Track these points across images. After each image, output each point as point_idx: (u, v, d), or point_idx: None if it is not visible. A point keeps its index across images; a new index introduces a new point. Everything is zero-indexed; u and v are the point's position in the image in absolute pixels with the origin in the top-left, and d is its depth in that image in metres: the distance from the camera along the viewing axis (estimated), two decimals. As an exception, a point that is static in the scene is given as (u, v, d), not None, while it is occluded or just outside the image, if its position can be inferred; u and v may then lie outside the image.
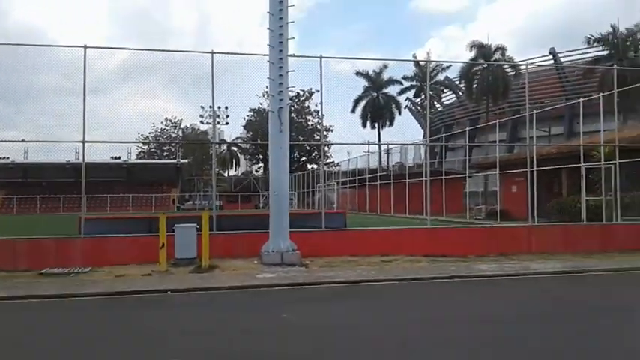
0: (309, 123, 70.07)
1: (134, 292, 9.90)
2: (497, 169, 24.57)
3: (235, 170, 77.62)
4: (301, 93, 67.41)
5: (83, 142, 13.91)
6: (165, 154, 76.85)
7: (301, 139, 62.98)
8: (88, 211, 14.14)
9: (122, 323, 7.89)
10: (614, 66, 23.50)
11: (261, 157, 72.04)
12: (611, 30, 37.88)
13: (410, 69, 53.88)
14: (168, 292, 9.93)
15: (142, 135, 66.79)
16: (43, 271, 12.06)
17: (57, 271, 12.12)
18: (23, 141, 24.80)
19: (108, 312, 8.81)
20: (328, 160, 54.50)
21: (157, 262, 12.27)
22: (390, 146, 45.30)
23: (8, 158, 58.54)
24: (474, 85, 43.11)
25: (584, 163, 18.33)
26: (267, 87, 14.26)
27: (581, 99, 21.55)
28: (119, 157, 61.70)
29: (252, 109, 66.64)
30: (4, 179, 62.39)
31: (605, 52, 38.33)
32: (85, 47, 13.74)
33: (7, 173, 62.83)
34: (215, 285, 10.50)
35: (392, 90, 58.00)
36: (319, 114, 63.75)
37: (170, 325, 7.67)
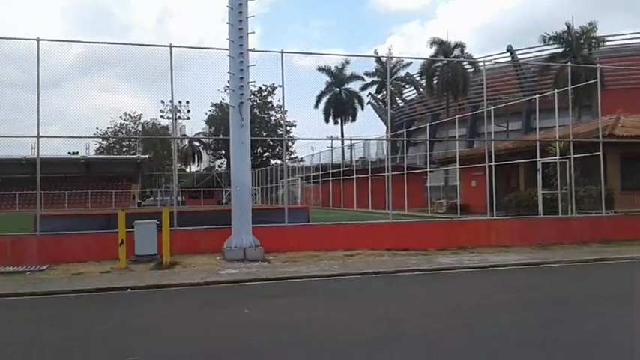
0: (272, 118, 69.85)
1: (93, 290, 9.70)
2: (457, 163, 24.98)
3: (198, 165, 76.78)
4: (264, 88, 67.17)
5: (37, 136, 13.52)
6: (124, 149, 75.24)
7: (264, 134, 62.79)
8: (45, 207, 13.78)
9: (80, 322, 7.71)
10: (569, 63, 24.14)
11: (223, 152, 71.35)
12: (566, 28, 38.98)
13: (372, 65, 54.46)
14: (128, 290, 9.76)
15: (100, 130, 65.15)
16: (-4, 270, 11.70)
17: (12, 270, 11.79)
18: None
19: (66, 311, 8.60)
20: (291, 156, 54.51)
21: (116, 260, 12.07)
22: (353, 141, 45.47)
23: (-41, 154, 56.27)
24: (435, 82, 43.70)
25: (540, 157, 18.84)
26: (228, 82, 14.13)
27: (537, 95, 22.10)
28: (77, 153, 60.06)
29: (214, 104, 66.17)
30: (-46, 176, 60.09)
31: (560, 50, 39.40)
32: (38, 40, 13.34)
33: (-42, 170, 60.50)
34: (176, 282, 10.38)
35: (354, 86, 58.47)
36: (282, 109, 64.16)
37: (128, 323, 7.53)
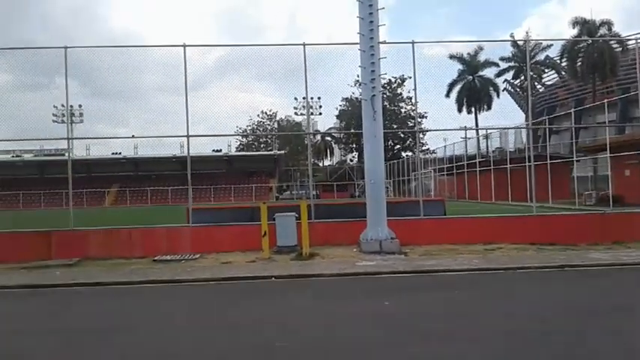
0: (402, 110, 69.27)
1: (240, 279, 10.33)
2: (608, 151, 22.91)
3: (330, 160, 78.54)
4: (393, 80, 66.76)
5: (187, 136, 14.67)
6: (262, 145, 79.16)
7: (395, 126, 62.37)
8: (193, 201, 14.89)
9: (231, 307, 8.23)
10: None
11: (355, 145, 72.27)
12: None
13: (507, 50, 51.54)
14: (273, 279, 10.24)
15: (239, 128, 69.44)
16: (156, 258, 12.89)
17: (168, 258, 12.91)
18: (133, 137, 26.81)
19: (217, 297, 9.22)
20: (423, 147, 53.59)
21: (259, 250, 12.72)
22: (489, 131, 43.55)
23: (120, 153, 63.36)
24: (578, 64, 40.48)
25: None
26: (358, 76, 14.20)
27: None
28: (220, 150, 64.47)
29: (344, 99, 67.01)
30: (117, 173, 67.58)
31: None
32: (185, 46, 14.36)
33: (120, 167, 68.03)
34: (316, 272, 10.69)
35: (488, 72, 55.93)
36: (412, 100, 63.26)
37: (275, 310, 7.90)
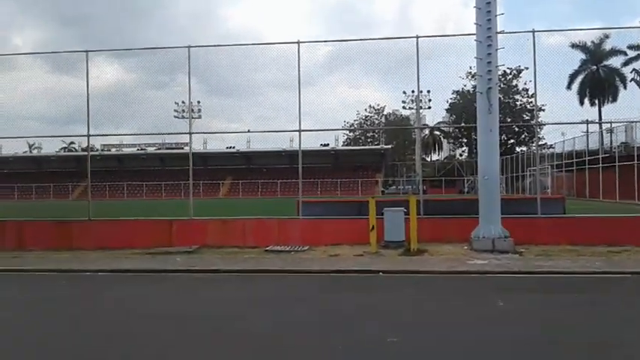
0: (518, 103, 66.13)
1: (348, 272, 10.39)
2: None
3: (438, 154, 77.00)
4: (508, 71, 63.87)
5: (299, 130, 15.02)
6: (369, 140, 79.29)
7: (509, 120, 59.75)
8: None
9: (340, 301, 8.32)
10: None
11: (465, 140, 70.27)
12: None
13: (636, 37, 47.41)
14: (380, 274, 10.21)
15: (347, 122, 70.08)
16: (267, 248, 13.35)
17: (279, 249, 13.31)
18: (249, 131, 28.06)
19: (326, 289, 9.36)
20: (540, 142, 50.85)
21: (366, 244, 12.76)
22: (614, 125, 40.29)
23: (234, 147, 66.40)
24: None
25: None
26: (470, 68, 13.82)
27: None
28: (327, 144, 65.45)
29: (455, 91, 65.18)
30: (231, 166, 71.00)
31: None
32: (299, 42, 14.66)
33: (234, 160, 71.37)
34: (425, 269, 10.50)
35: (614, 62, 51.81)
36: (528, 92, 60.21)
37: (385, 306, 7.86)
